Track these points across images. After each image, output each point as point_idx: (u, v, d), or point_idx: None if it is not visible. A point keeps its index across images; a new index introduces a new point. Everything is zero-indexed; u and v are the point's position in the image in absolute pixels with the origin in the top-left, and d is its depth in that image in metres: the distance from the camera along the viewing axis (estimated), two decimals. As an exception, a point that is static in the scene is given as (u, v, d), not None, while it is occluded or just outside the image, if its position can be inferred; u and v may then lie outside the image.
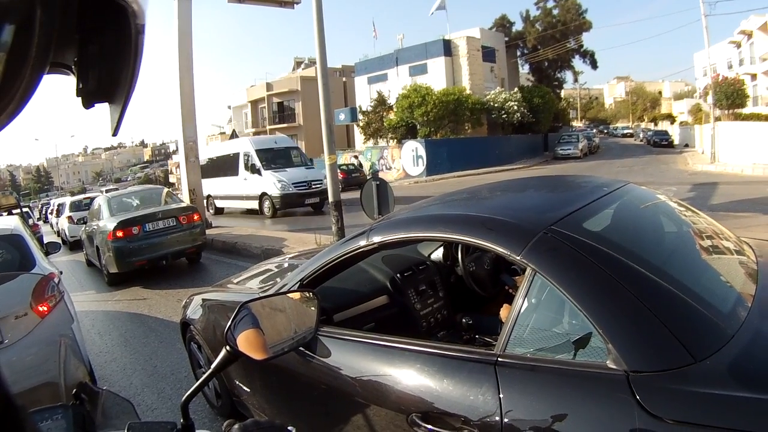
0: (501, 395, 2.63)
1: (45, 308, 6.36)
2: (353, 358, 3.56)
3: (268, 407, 4.72)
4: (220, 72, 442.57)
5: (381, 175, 42.55)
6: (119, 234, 14.22)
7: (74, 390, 2.10)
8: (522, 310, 2.83)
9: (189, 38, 22.77)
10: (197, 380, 4.95)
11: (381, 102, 53.63)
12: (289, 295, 3.84)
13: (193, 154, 23.98)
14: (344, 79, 72.86)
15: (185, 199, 22.27)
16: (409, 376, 3.12)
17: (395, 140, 51.06)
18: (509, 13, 67.61)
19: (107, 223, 14.86)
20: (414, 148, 46.81)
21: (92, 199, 24.30)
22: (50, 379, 2.42)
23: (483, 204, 4.20)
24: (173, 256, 15.31)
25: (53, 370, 2.57)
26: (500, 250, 3.00)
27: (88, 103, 0.91)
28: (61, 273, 7.71)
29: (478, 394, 2.72)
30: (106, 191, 26.59)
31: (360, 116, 54.73)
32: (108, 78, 0.88)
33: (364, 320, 4.36)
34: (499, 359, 2.75)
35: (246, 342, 2.86)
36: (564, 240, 2.88)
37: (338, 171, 24.57)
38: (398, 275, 4.73)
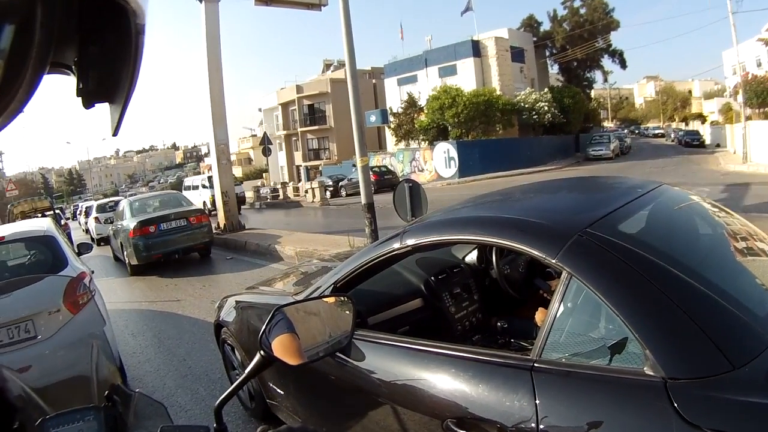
0: (537, 401, 2.58)
1: (76, 305, 6.74)
2: (388, 362, 3.53)
3: (302, 410, 4.70)
4: (250, 74, 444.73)
5: (413, 177, 43.12)
6: (138, 232, 16.94)
7: (106, 392, 2.08)
8: (558, 315, 2.79)
9: (217, 41, 22.98)
10: (231, 382, 5.06)
11: (411, 103, 53.49)
12: (324, 299, 3.84)
13: (225, 157, 24.23)
14: (374, 80, 72.33)
15: (217, 201, 24.58)
16: (444, 381, 3.07)
17: (427, 142, 50.86)
18: (536, 13, 66.49)
19: (129, 222, 17.60)
20: (446, 149, 46.71)
21: (116, 202, 29.89)
22: (82, 373, 2.52)
23: (517, 206, 4.14)
24: (184, 251, 18.17)
25: (85, 363, 2.63)
26: (535, 253, 2.96)
27: (88, 103, 0.92)
28: (92, 272, 8.13)
29: (513, 400, 2.68)
30: (130, 195, 32.47)
31: (391, 118, 54.18)
32: (108, 78, 0.88)
33: (399, 323, 4.33)
34: (535, 365, 2.70)
35: (281, 347, 2.85)
36: (600, 243, 2.83)
37: (370, 173, 27.41)
38: (432, 278, 4.67)
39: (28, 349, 6.15)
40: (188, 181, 40.17)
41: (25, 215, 33.10)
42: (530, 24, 66.40)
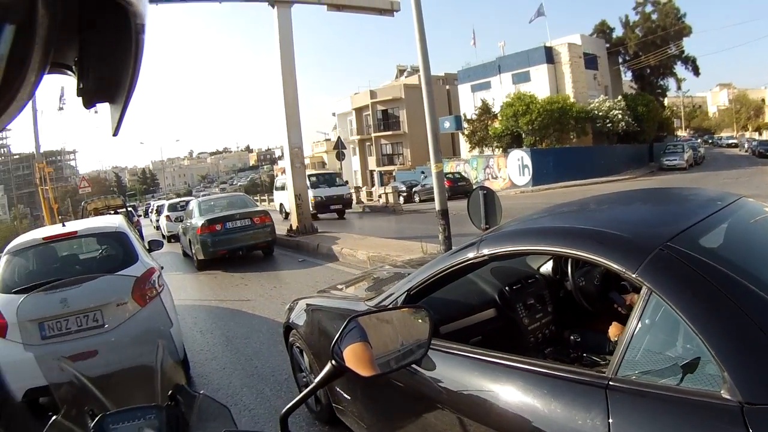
0: (610, 421, 2.49)
1: (144, 299, 7.32)
2: (459, 373, 3.47)
3: (367, 416, 4.68)
4: (324, 78, 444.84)
5: (487, 184, 42.98)
6: (206, 229, 18.47)
7: (170, 391, 2.13)
8: (636, 332, 2.70)
9: (290, 45, 23.17)
10: (297, 385, 5.19)
11: (485, 110, 53.18)
12: (403, 311, 3.76)
13: (299, 160, 24.44)
14: (447, 86, 72.01)
15: (291, 204, 24.91)
16: (515, 395, 3.02)
17: (500, 149, 50.48)
18: (609, 19, 65.18)
19: (197, 221, 19.19)
20: (520, 157, 46.39)
21: (187, 202, 30.79)
22: (146, 362, 2.48)
23: (596, 217, 4.07)
24: (248, 249, 19.41)
25: (149, 353, 2.65)
26: (614, 266, 2.87)
27: (88, 103, 0.94)
28: (162, 268, 8.72)
29: (586, 419, 2.60)
30: (203, 195, 32.98)
31: (465, 124, 54.12)
32: (108, 78, 0.89)
33: (471, 333, 4.26)
34: (610, 383, 2.61)
35: (353, 356, 2.78)
36: (681, 258, 2.71)
37: (444, 179, 28.41)
38: (507, 288, 4.59)
39: (95, 337, 6.55)
40: (280, 181, 38.33)
41: (98, 212, 34.66)
42: (603, 30, 64.83)
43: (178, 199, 41.48)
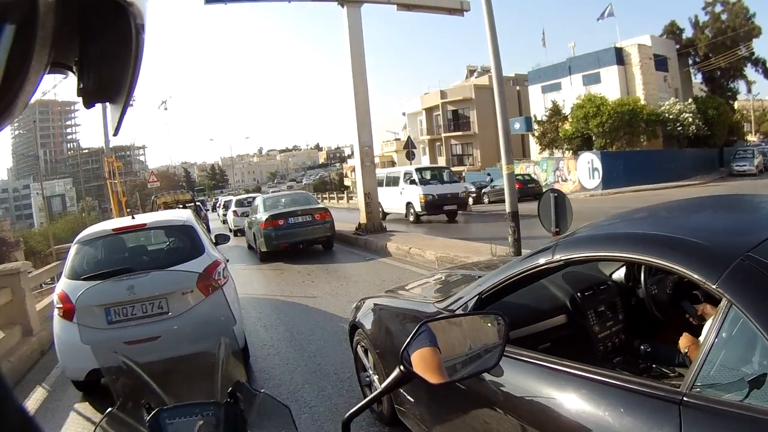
0: None
1: (208, 289, 7.59)
2: (527, 380, 3.38)
3: (430, 419, 4.63)
4: (394, 78, 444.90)
5: (556, 186, 42.24)
6: (269, 224, 20.12)
7: (230, 388, 2.11)
8: (713, 345, 2.57)
9: (360, 45, 23.23)
10: (360, 385, 5.25)
11: (556, 112, 52.79)
12: (473, 315, 3.69)
13: (369, 159, 24.62)
14: (518, 87, 71.63)
15: (360, 202, 25.04)
16: (583, 406, 2.95)
17: (571, 151, 50.05)
18: (678, 19, 63.62)
19: (261, 215, 20.89)
20: (590, 160, 45.79)
21: (253, 198, 32.11)
22: (207, 349, 2.51)
23: (673, 224, 3.86)
24: (308, 243, 20.85)
25: (210, 342, 2.70)
26: (693, 275, 2.73)
27: (88, 103, 0.94)
28: (227, 261, 9.07)
29: None
30: (273, 191, 34.28)
31: (535, 126, 53.70)
32: (108, 78, 0.89)
33: (541, 339, 4.16)
34: (684, 399, 2.48)
35: (422, 362, 2.68)
36: (762, 269, 2.54)
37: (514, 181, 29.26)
38: (579, 294, 4.48)
39: (159, 323, 7.11)
40: (384, 173, 34.57)
41: (167, 206, 37.27)
42: (672, 31, 63.07)
43: (245, 195, 44.58)
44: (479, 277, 4.77)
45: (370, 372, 5.92)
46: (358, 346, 6.24)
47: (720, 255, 2.74)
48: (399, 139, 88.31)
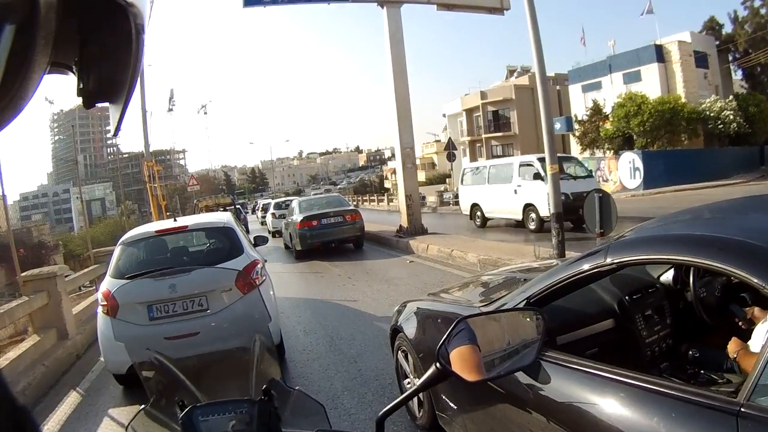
0: None
1: (247, 287, 8.04)
2: (575, 388, 3.28)
3: (473, 428, 4.55)
4: (432, 80, 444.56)
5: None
6: (304, 224, 22.19)
7: (264, 386, 2.09)
8: None
9: (401, 45, 23.37)
10: (401, 390, 5.18)
11: (597, 111, 52.27)
12: (513, 312, 3.73)
13: (410, 161, 24.78)
14: (558, 87, 69.53)
15: (401, 204, 25.46)
16: (634, 416, 2.84)
17: (612, 151, 49.59)
18: (717, 15, 62.59)
19: (297, 217, 22.85)
20: (631, 159, 45.15)
21: (290, 201, 33.46)
22: (244, 344, 2.74)
23: (727, 225, 3.69)
24: (339, 242, 22.86)
25: (247, 337, 2.73)
26: (753, 279, 2.60)
27: (88, 103, 0.93)
28: (265, 261, 9.59)
29: None
30: (313, 193, 39.17)
31: (576, 125, 52.80)
32: (108, 78, 0.89)
33: (588, 344, 4.05)
34: (742, 409, 2.34)
35: (460, 359, 2.66)
36: None
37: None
38: (627, 297, 4.33)
39: (198, 320, 7.56)
40: (487, 165, 30.06)
41: (209, 209, 41.44)
42: (712, 27, 62.21)
43: (282, 199, 47.12)
44: (525, 280, 4.71)
45: (412, 378, 5.83)
46: (399, 351, 6.19)
47: None
48: (439, 141, 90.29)
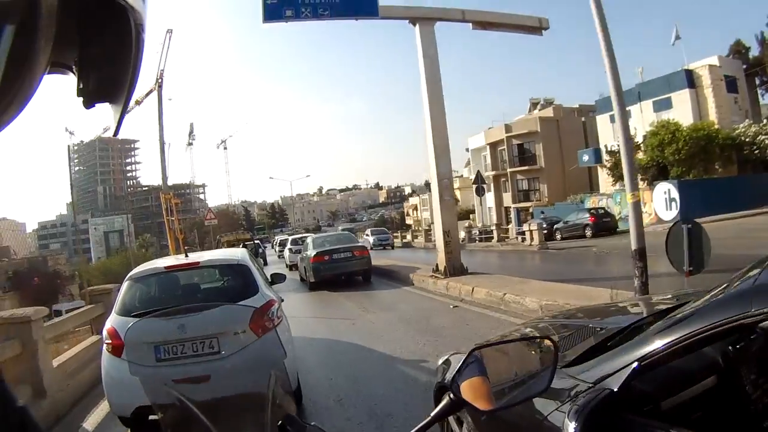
0: None
1: (262, 329, 7.59)
2: None
3: None
4: (451, 115, 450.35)
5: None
6: (317, 259, 24.92)
7: (279, 422, 2.10)
8: None
9: (435, 67, 22.19)
10: None
11: None
12: (525, 342, 3.72)
13: (448, 193, 23.10)
14: (583, 119, 71.53)
15: (438, 241, 23.78)
16: None
17: (645, 182, 47.88)
18: (743, 37, 61.96)
19: (311, 252, 25.82)
20: (666, 189, 42.69)
21: (305, 237, 37.36)
22: (258, 389, 2.60)
23: None
24: (348, 275, 25.38)
25: (261, 383, 2.66)
26: None
27: (88, 103, 0.93)
28: (282, 300, 9.20)
29: None
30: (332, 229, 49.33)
31: (607, 157, 52.98)
32: (108, 78, 0.90)
33: (691, 408, 3.28)
34: None
35: (471, 390, 2.48)
36: None
37: (588, 215, 37.28)
38: (731, 347, 3.41)
39: (209, 363, 7.09)
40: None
41: (230, 244, 45.00)
42: (738, 50, 61.77)
43: (299, 235, 52.46)
44: (600, 329, 4.31)
45: None
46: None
47: None
48: (461, 176, 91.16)
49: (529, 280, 18.22)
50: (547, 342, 3.06)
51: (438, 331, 13.13)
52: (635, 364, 3.00)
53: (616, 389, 2.92)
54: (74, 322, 13.46)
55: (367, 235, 67.67)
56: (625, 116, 13.06)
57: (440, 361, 5.65)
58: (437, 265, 22.36)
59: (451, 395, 2.38)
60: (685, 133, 45.56)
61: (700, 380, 3.40)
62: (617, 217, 45.35)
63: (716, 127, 47.95)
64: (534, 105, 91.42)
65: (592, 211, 42.93)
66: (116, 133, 0.97)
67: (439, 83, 21.97)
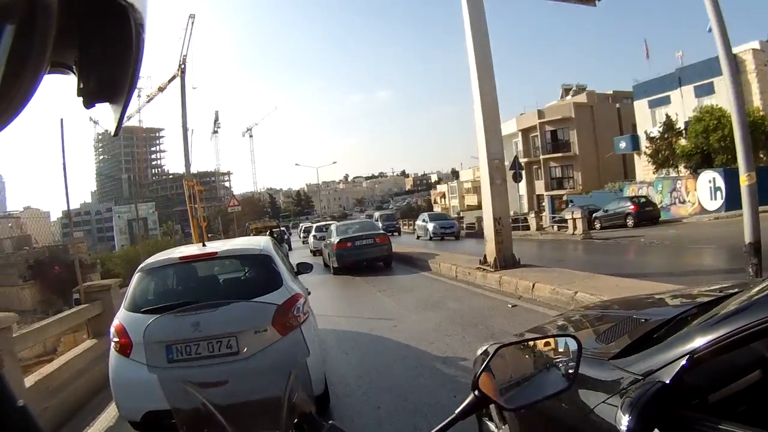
0: None
1: (286, 327, 6.88)
2: None
3: None
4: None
5: (673, 209, 43.04)
6: (340, 245, 26.22)
7: (296, 419, 2.13)
8: None
9: (484, 32, 20.11)
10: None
11: (669, 127, 50.20)
12: (548, 339, 3.39)
13: (500, 175, 20.50)
14: (617, 105, 70.72)
15: (487, 230, 20.65)
16: None
17: (689, 170, 47.26)
18: None
19: (334, 239, 27.16)
20: (711, 178, 42.77)
21: (330, 224, 38.54)
22: (278, 394, 2.47)
23: None
24: (370, 261, 26.58)
25: (283, 386, 2.53)
26: None
27: (88, 103, 0.93)
28: (309, 293, 8.71)
29: None
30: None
31: (647, 143, 51.79)
32: (108, 78, 0.90)
33: (736, 402, 3.10)
34: None
35: (490, 387, 2.35)
36: None
37: (630, 203, 37.05)
38: None
39: (227, 365, 6.51)
40: None
41: (258, 231, 46.27)
42: None
43: (323, 223, 52.82)
44: (645, 320, 4.11)
45: None
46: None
47: None
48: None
49: (597, 275, 15.81)
50: (572, 339, 2.94)
51: (501, 336, 11.12)
52: (687, 358, 2.89)
53: (668, 382, 2.77)
54: (61, 326, 11.51)
55: (424, 221, 55.98)
56: (737, 84, 12.09)
57: (479, 352, 5.48)
58: (485, 257, 20.00)
59: (476, 392, 2.25)
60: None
61: (746, 374, 3.36)
62: (659, 206, 44.02)
63: (761, 113, 46.17)
64: (566, 91, 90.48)
65: (634, 199, 41.50)
66: (116, 132, 0.96)
67: (488, 53, 20.06)
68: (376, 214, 78.29)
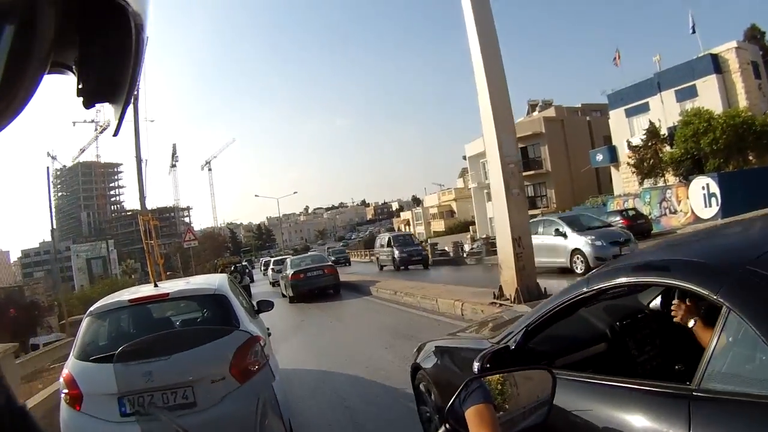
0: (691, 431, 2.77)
1: (245, 374, 6.58)
2: (571, 399, 3.69)
3: None
4: (439, 125, 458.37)
5: (664, 220, 41.79)
6: (294, 277, 30.01)
7: None
8: (716, 347, 2.91)
9: (488, 15, 16.24)
10: (420, 419, 6.26)
11: (653, 134, 48.73)
12: (525, 372, 3.54)
13: (517, 182, 15.94)
14: (587, 118, 70.01)
15: (502, 253, 15.94)
16: (611, 412, 3.40)
17: (679, 177, 45.71)
18: (757, 22, 58.74)
19: (289, 271, 31.30)
20: (704, 184, 40.12)
21: (285, 258, 44.09)
22: None
23: (685, 249, 4.35)
24: (321, 289, 30.01)
25: None
26: (699, 290, 3.09)
27: (88, 103, 0.94)
28: (269, 334, 8.67)
29: (669, 429, 2.91)
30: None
31: (629, 153, 50.19)
32: (108, 78, 0.91)
33: (583, 366, 4.41)
34: (694, 393, 2.89)
35: (477, 418, 2.37)
36: (757, 279, 2.87)
37: (619, 217, 35.19)
38: (617, 323, 4.94)
39: (184, 418, 6.15)
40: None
41: (224, 268, 47.97)
42: (753, 35, 58.69)
43: (280, 257, 57.96)
44: (520, 316, 5.45)
45: (431, 407, 6.26)
46: (420, 384, 6.67)
47: (721, 269, 3.15)
48: (457, 188, 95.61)
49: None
50: (546, 373, 3.16)
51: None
52: (523, 330, 4.43)
53: (512, 346, 4.38)
54: (32, 365, 11.99)
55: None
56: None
57: (415, 349, 6.80)
58: (501, 288, 15.70)
59: (447, 425, 2.35)
60: (721, 120, 42.30)
61: (590, 346, 4.76)
62: (648, 218, 41.99)
63: (749, 114, 44.61)
64: (533, 107, 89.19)
65: (623, 213, 39.37)
66: (116, 132, 0.97)
67: (496, 43, 16.13)
68: (327, 248, 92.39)
